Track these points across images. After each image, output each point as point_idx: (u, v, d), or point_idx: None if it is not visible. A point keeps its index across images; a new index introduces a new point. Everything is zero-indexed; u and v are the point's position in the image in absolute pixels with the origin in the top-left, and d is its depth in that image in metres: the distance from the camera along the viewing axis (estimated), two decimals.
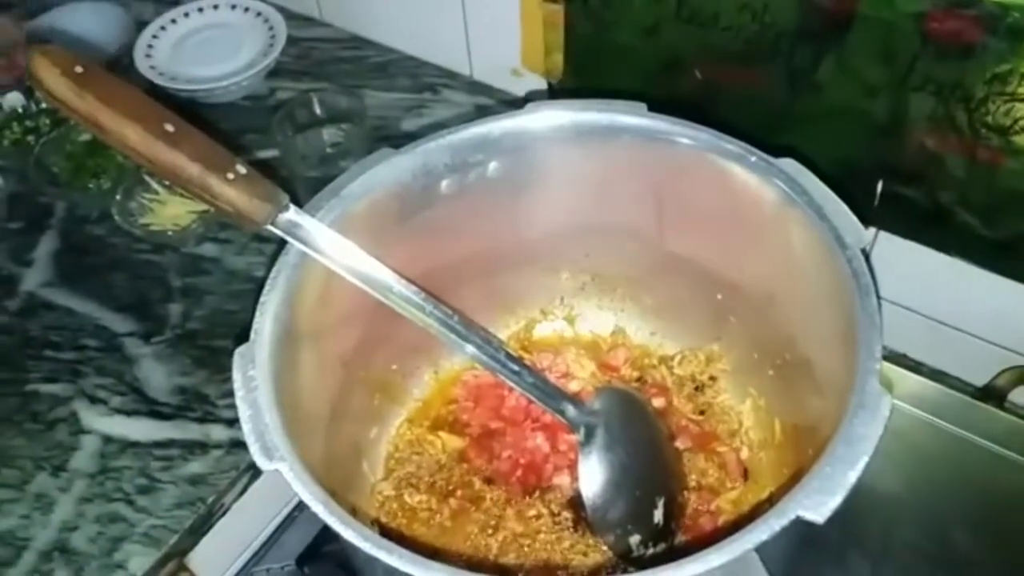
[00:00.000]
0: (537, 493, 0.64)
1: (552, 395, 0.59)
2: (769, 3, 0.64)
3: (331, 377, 0.61)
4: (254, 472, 0.68)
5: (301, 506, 0.76)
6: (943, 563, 0.74)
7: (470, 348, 0.56)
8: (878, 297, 0.49)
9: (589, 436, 0.60)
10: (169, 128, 0.48)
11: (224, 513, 0.68)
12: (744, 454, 0.65)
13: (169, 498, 0.65)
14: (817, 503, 0.41)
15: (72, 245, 0.84)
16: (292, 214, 0.51)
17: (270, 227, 0.50)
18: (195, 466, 0.67)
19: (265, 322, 0.52)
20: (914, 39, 0.60)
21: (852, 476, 0.42)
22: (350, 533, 0.43)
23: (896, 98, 0.63)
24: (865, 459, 0.42)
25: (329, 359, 0.60)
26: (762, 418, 0.66)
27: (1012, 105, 0.58)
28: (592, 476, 0.59)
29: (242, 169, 0.49)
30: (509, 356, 0.58)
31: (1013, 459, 0.71)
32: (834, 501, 0.41)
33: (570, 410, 0.60)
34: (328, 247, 0.52)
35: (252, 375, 0.50)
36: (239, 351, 0.51)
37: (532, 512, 0.63)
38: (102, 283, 0.80)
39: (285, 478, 0.46)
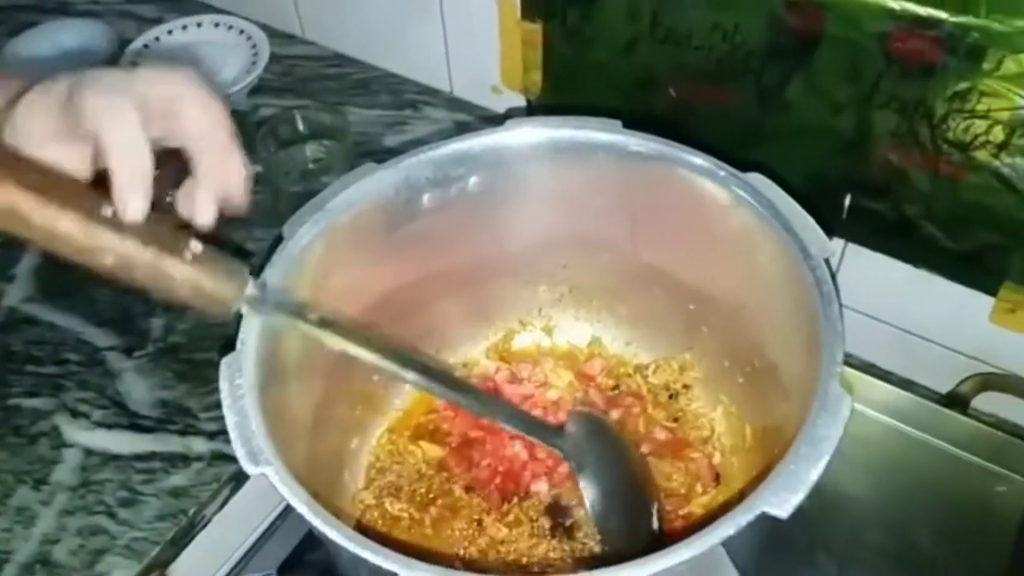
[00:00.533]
0: (516, 500, 0.64)
1: (543, 431, 0.60)
2: (740, 23, 0.66)
3: (314, 388, 0.61)
4: (235, 484, 0.68)
5: (283, 515, 0.76)
6: (908, 564, 0.75)
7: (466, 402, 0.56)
8: (840, 305, 0.50)
9: (581, 464, 0.60)
10: (108, 212, 0.40)
11: (206, 525, 0.68)
12: (716, 459, 0.66)
13: (151, 510, 0.65)
14: (782, 500, 0.42)
15: (54, 260, 0.83)
16: (254, 288, 0.44)
17: (242, 307, 0.43)
18: (176, 478, 0.67)
19: (250, 332, 0.53)
20: (879, 58, 0.61)
21: (815, 474, 0.43)
22: (335, 533, 0.44)
23: (862, 115, 0.65)
24: (827, 457, 0.43)
25: (312, 370, 0.61)
26: (733, 424, 0.67)
27: (971, 122, 0.60)
28: (595, 498, 0.59)
29: (197, 246, 0.41)
30: (506, 404, 0.58)
31: (976, 463, 0.73)
32: (797, 497, 0.42)
33: (560, 443, 0.60)
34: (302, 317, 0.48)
35: (239, 383, 0.50)
36: (225, 360, 0.52)
37: (511, 518, 0.63)
38: (84, 298, 0.80)
39: (271, 482, 0.46)
